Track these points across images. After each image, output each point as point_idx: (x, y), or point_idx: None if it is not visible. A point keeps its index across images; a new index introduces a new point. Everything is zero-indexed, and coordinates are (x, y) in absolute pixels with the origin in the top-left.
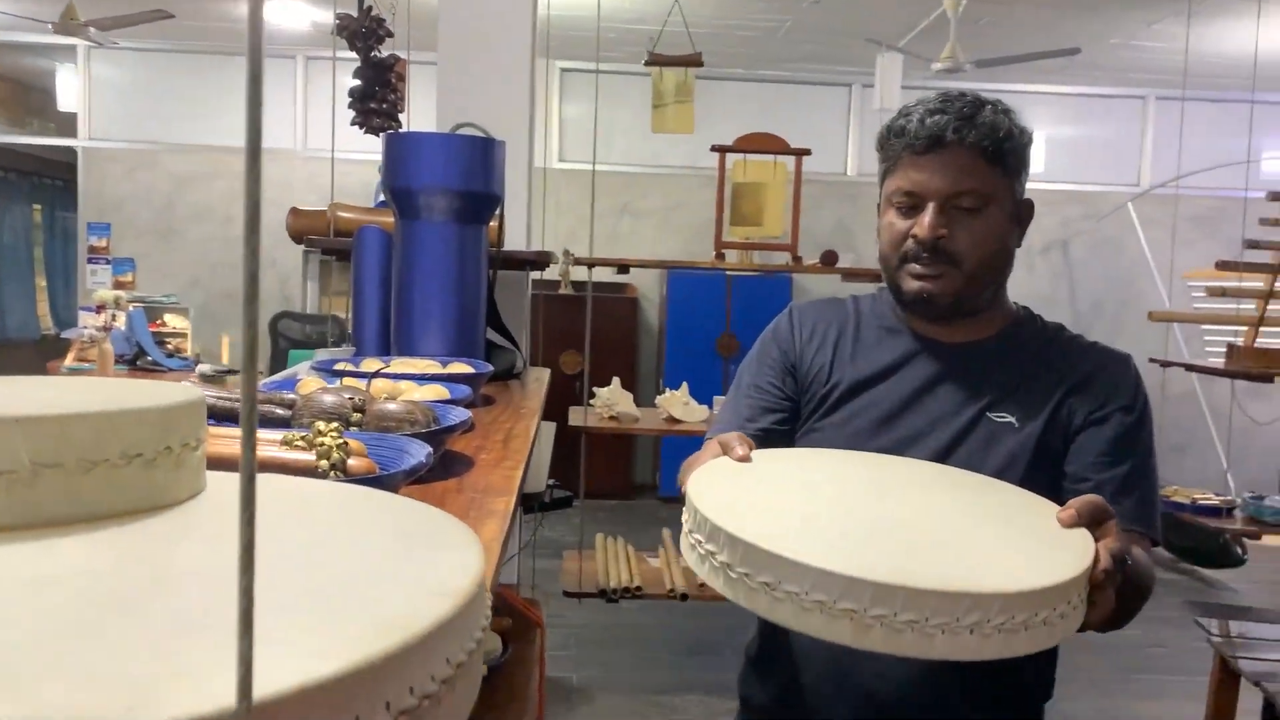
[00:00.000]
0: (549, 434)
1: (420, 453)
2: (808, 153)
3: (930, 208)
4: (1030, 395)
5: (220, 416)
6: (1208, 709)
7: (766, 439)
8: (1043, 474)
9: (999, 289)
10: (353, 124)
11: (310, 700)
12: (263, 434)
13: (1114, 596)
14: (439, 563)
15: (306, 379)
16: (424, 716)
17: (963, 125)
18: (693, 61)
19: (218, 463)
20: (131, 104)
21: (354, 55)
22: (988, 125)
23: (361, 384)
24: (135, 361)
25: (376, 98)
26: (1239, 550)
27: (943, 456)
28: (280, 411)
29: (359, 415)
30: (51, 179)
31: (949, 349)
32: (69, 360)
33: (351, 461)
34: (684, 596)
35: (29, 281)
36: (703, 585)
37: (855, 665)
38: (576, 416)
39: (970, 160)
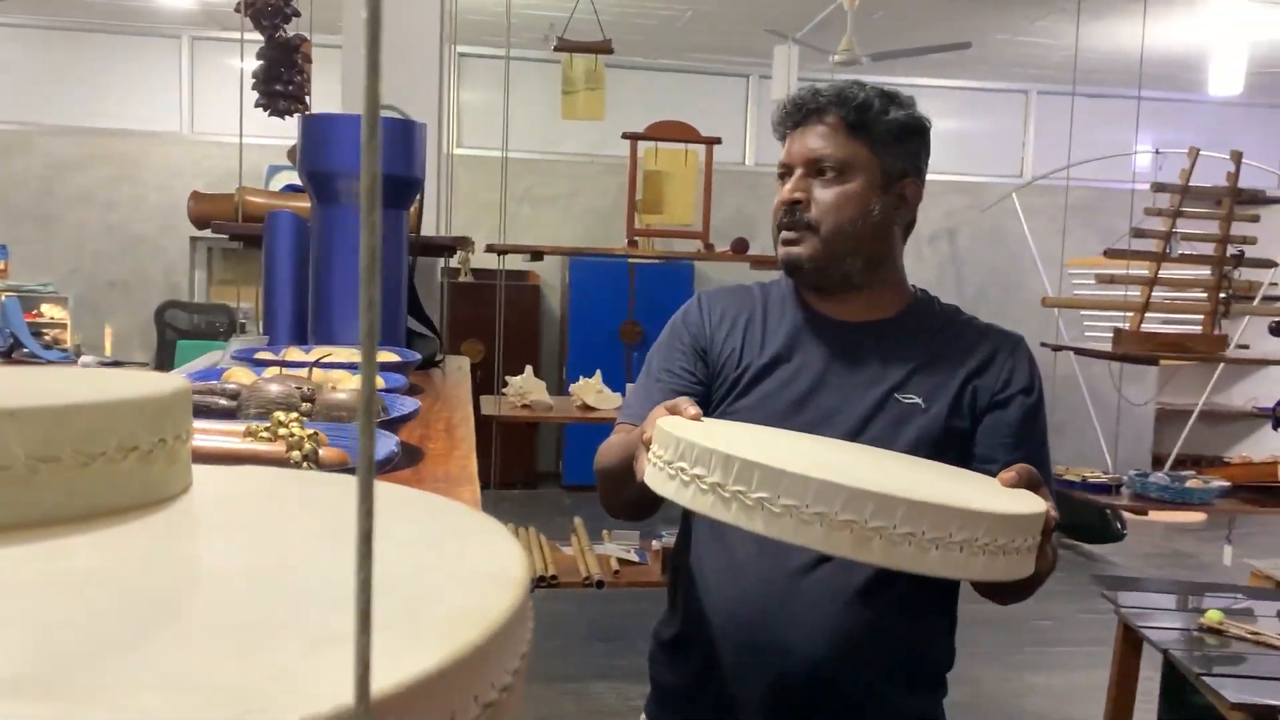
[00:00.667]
0: None
1: (389, 442)
2: (718, 141)
3: (796, 173)
4: (935, 377)
5: None
6: (1111, 677)
7: None
8: (950, 455)
9: (878, 264)
10: (257, 106)
11: (416, 697)
12: (220, 425)
13: (1049, 553)
14: (483, 551)
15: (233, 369)
16: (501, 710)
17: (825, 98)
18: (603, 48)
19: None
20: (3, 83)
21: (248, 36)
22: (849, 96)
23: (294, 374)
24: (10, 353)
25: (282, 79)
26: (1119, 525)
27: (853, 436)
28: (224, 402)
29: (308, 405)
30: None
31: (851, 328)
32: None
33: (323, 452)
34: (600, 584)
35: None
36: (618, 572)
37: (767, 645)
38: (489, 405)
39: (832, 129)
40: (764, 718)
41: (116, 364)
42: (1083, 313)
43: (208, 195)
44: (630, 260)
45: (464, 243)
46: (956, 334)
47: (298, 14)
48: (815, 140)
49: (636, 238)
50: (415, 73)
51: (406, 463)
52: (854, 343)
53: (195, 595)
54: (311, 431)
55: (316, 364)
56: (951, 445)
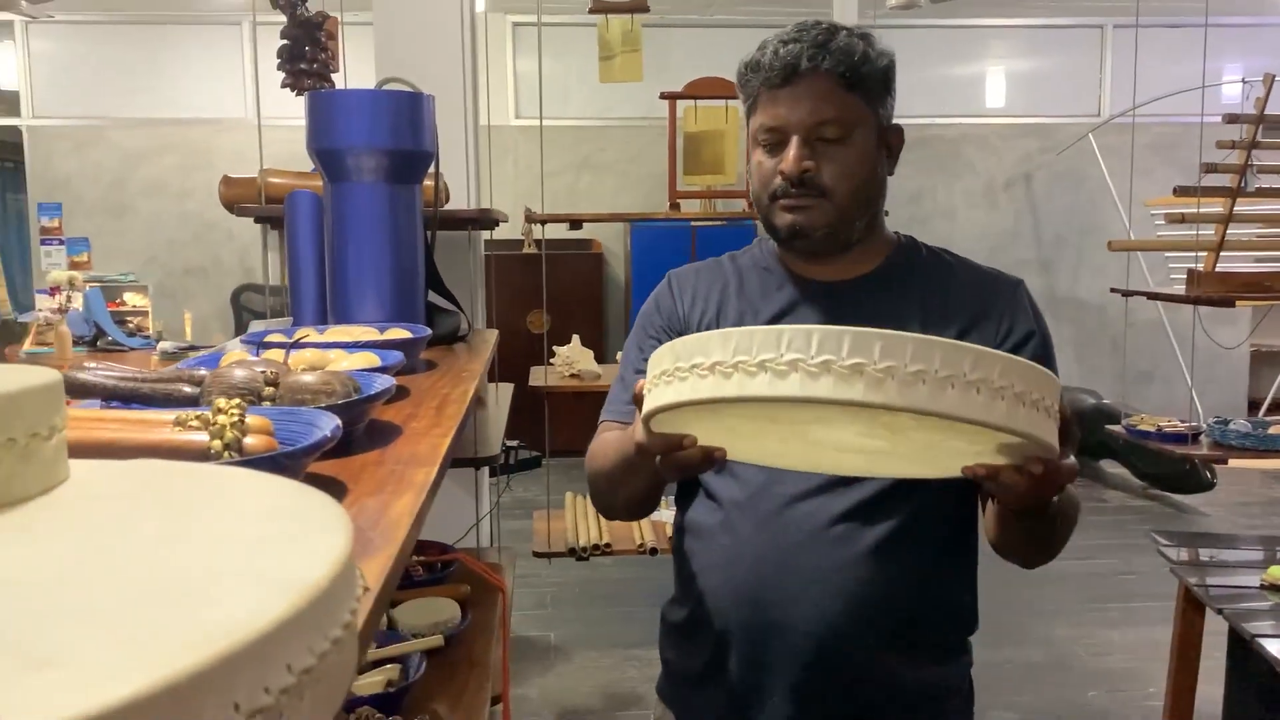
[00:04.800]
0: (505, 396)
1: (327, 426)
2: None
3: (794, 141)
4: (929, 329)
5: (123, 398)
6: (1174, 634)
7: None
8: None
9: (874, 219)
10: (283, 86)
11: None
12: (155, 414)
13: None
14: (293, 553)
15: (232, 353)
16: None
17: (817, 53)
18: (638, 7)
19: (94, 449)
20: (74, 79)
21: (270, 18)
22: (842, 50)
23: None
24: (95, 342)
25: (306, 58)
26: (1208, 475)
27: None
28: (187, 389)
29: (272, 389)
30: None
31: (835, 288)
32: (27, 344)
33: (249, 440)
34: (653, 551)
35: None
36: (672, 539)
37: (772, 625)
38: (537, 376)
39: (828, 88)
40: (779, 699)
41: (192, 348)
42: (1167, 254)
43: (236, 179)
44: (693, 224)
45: (490, 215)
46: (946, 279)
47: None
48: (814, 102)
49: (685, 199)
50: (445, 42)
51: (375, 444)
52: (843, 303)
53: None
54: (238, 419)
55: (295, 344)
56: None
